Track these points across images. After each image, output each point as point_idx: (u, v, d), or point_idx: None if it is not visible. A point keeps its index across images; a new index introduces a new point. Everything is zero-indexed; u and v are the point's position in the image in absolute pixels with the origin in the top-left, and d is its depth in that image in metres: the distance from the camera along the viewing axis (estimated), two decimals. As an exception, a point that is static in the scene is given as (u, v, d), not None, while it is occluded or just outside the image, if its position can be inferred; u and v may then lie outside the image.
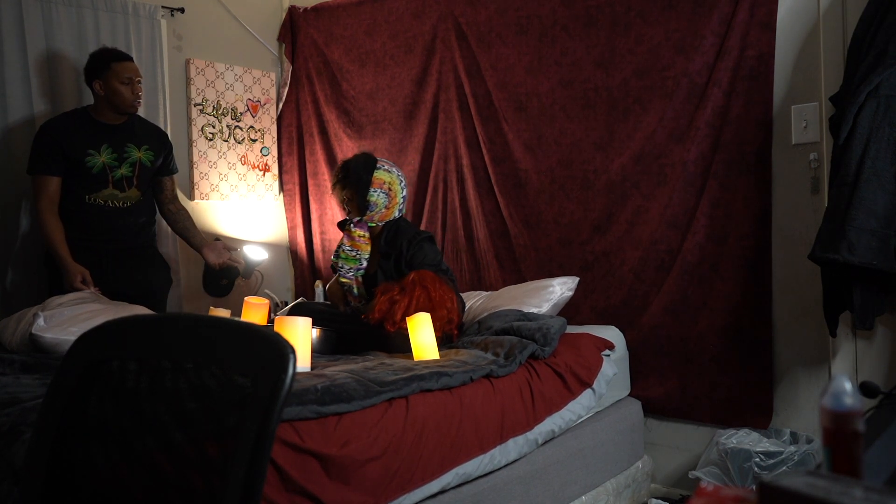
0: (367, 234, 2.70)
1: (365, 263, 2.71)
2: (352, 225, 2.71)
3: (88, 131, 2.82)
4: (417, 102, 3.57)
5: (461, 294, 2.81)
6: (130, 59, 2.89)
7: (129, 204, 2.91)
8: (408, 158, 3.60)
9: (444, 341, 2.55)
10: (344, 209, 2.81)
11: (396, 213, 2.73)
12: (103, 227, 2.86)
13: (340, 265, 2.69)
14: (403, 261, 2.63)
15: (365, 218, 2.70)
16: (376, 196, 2.67)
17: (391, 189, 2.69)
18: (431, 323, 2.35)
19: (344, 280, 2.73)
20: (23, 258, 3.00)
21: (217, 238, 3.50)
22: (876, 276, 2.17)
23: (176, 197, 3.16)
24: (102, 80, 2.81)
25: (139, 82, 2.87)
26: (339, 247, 2.75)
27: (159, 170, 3.04)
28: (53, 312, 2.33)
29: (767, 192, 2.67)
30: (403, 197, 2.74)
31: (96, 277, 2.75)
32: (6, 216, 2.97)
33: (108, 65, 2.81)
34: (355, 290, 2.76)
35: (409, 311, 2.39)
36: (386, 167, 2.72)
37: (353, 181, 2.68)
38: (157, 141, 3.03)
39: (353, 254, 2.68)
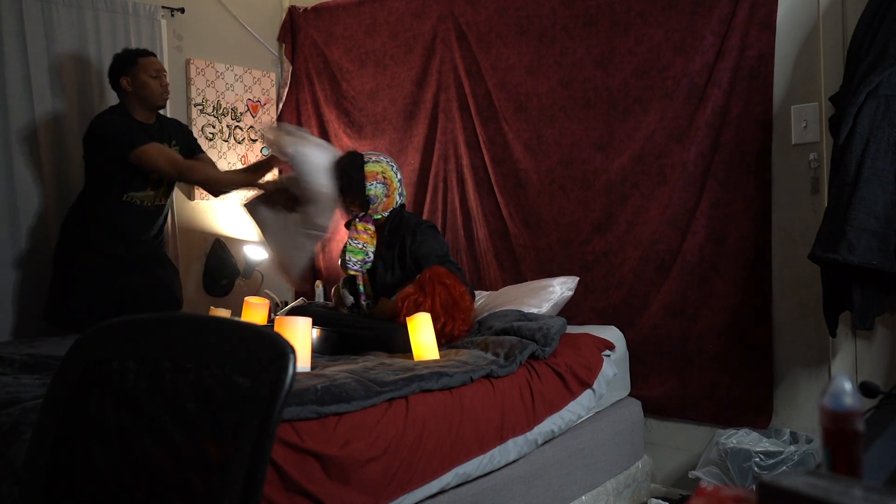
0: (371, 228, 2.75)
1: (371, 256, 2.74)
2: (357, 220, 2.76)
3: (134, 128, 2.81)
4: (417, 102, 3.56)
5: (471, 284, 2.83)
6: (155, 54, 2.91)
7: (159, 203, 2.92)
8: (408, 158, 3.59)
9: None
10: (349, 212, 2.83)
11: (398, 199, 2.78)
12: (132, 228, 2.86)
13: (347, 258, 2.72)
14: (408, 251, 2.67)
15: (369, 211, 2.74)
16: (374, 189, 2.71)
17: (385, 177, 2.73)
18: (454, 318, 2.48)
19: (352, 272, 2.75)
20: (28, 260, 2.99)
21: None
22: (876, 276, 2.17)
23: (211, 161, 3.15)
24: (130, 76, 2.81)
25: (166, 76, 2.89)
26: (344, 245, 2.77)
27: (187, 155, 3.04)
28: None
29: (767, 192, 2.67)
30: (399, 181, 2.78)
31: (119, 282, 2.80)
32: (11, 219, 2.95)
33: (134, 60, 2.82)
34: (362, 288, 2.79)
35: (435, 310, 2.43)
36: (374, 158, 2.76)
37: (347, 183, 2.70)
38: (181, 134, 3.05)
39: (360, 246, 2.72)
